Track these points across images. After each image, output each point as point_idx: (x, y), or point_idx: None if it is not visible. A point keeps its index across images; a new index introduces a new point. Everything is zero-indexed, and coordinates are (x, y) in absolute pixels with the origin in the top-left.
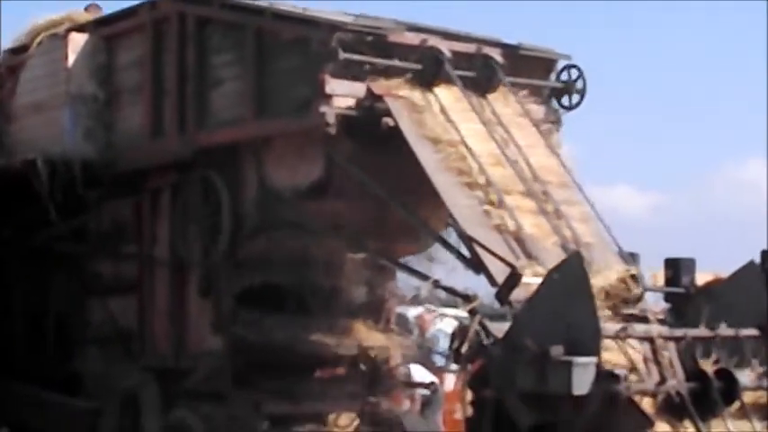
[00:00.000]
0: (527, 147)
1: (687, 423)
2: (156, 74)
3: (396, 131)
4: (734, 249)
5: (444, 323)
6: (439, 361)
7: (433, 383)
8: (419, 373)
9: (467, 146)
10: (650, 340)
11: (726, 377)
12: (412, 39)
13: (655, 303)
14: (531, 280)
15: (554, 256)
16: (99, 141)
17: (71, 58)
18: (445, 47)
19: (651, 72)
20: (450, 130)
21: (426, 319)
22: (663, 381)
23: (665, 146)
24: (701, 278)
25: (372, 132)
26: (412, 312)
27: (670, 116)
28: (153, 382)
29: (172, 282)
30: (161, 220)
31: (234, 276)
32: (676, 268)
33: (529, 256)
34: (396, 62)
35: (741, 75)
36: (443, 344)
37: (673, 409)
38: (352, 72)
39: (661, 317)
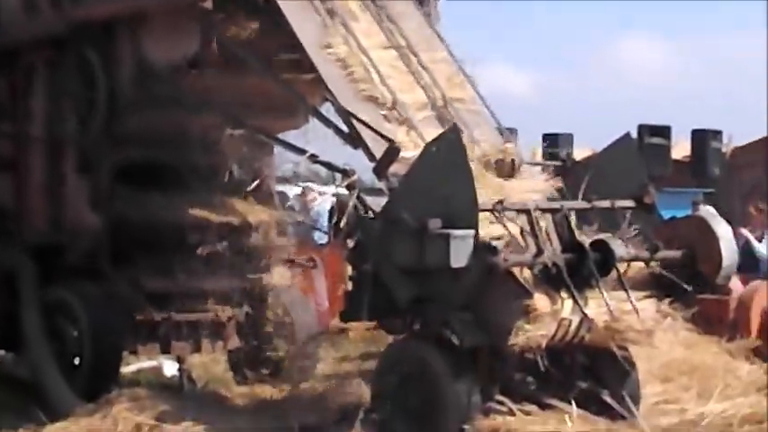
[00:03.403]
0: (403, 21)
1: (564, 294)
2: None
3: (272, 4)
4: (611, 127)
5: (327, 202)
6: (320, 237)
7: (312, 259)
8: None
9: (344, 22)
10: (527, 212)
11: (602, 248)
12: None
13: (532, 177)
14: (409, 154)
15: (432, 131)
16: None
17: None
18: None
19: None
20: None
21: (308, 196)
22: (540, 252)
23: (543, 25)
24: (579, 154)
25: (248, 5)
26: (293, 190)
27: None
28: (30, 260)
29: (48, 159)
30: (36, 96)
31: (111, 153)
32: (554, 143)
33: (406, 130)
34: None
35: None
36: (325, 221)
37: (550, 280)
38: None
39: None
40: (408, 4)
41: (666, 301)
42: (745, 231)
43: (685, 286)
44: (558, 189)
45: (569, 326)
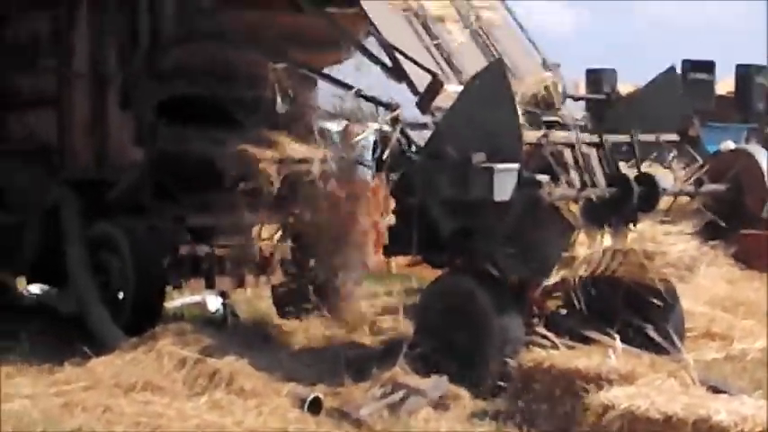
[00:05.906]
0: None
1: (607, 228)
2: None
3: None
4: (656, 64)
5: (371, 137)
6: (364, 173)
7: (356, 194)
8: None
9: None
10: (571, 146)
11: (647, 182)
12: None
13: (576, 111)
14: (453, 88)
15: (475, 65)
16: None
17: None
18: None
19: None
20: None
21: (351, 131)
22: (584, 186)
23: None
24: (623, 89)
25: None
26: (337, 126)
27: None
28: (74, 196)
29: (91, 94)
30: (79, 31)
31: (153, 88)
32: (598, 77)
33: (450, 64)
34: None
35: None
36: (369, 157)
37: (594, 214)
38: None
39: (582, 123)
40: None
41: (710, 236)
42: None
43: (722, 224)
44: (602, 123)
45: (607, 256)
